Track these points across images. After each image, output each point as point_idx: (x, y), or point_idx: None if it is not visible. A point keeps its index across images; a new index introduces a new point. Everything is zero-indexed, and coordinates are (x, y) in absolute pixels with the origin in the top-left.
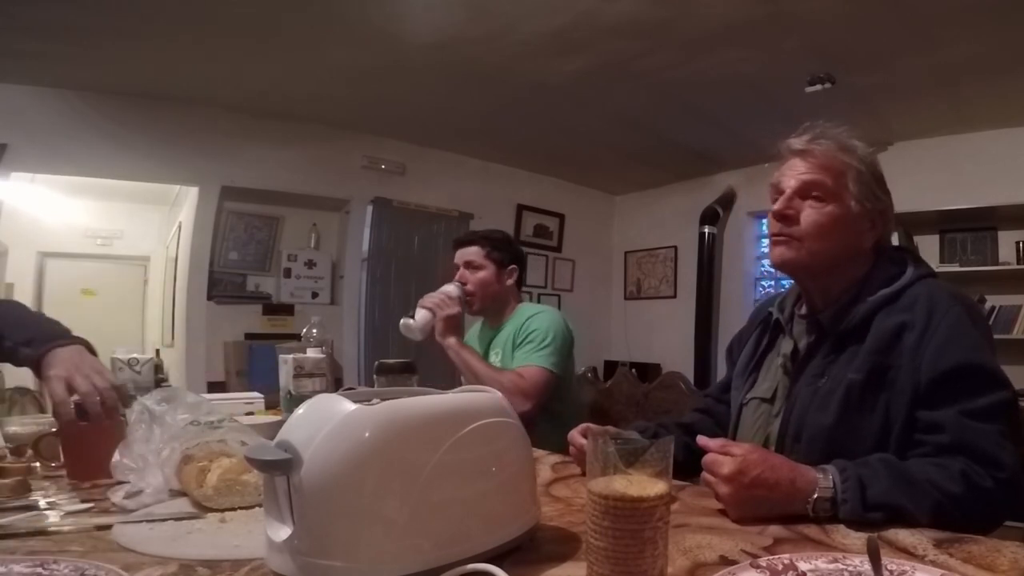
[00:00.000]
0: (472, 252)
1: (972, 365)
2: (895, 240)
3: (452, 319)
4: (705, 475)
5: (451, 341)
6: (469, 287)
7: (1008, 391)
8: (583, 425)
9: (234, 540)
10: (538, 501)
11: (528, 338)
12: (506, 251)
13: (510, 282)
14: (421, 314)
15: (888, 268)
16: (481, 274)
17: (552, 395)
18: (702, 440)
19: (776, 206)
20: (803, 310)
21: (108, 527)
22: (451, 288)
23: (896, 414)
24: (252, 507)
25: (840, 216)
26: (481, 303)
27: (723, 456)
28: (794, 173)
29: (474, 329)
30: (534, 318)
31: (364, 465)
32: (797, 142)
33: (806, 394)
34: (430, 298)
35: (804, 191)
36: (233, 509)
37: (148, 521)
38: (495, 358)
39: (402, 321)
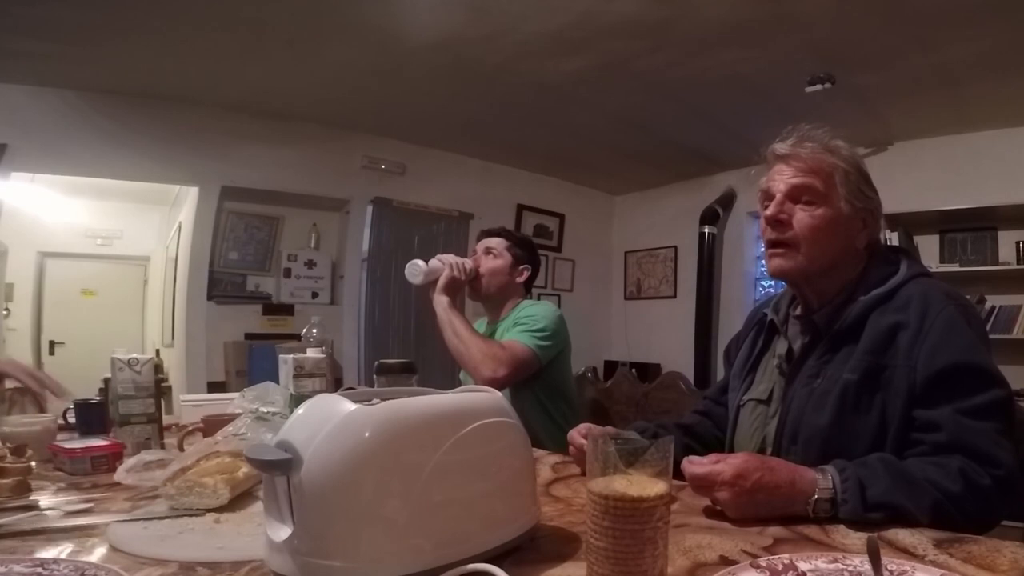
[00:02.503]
0: (495, 241)
1: (967, 364)
2: (895, 240)
3: (456, 282)
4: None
5: (444, 299)
6: (481, 270)
7: (1003, 389)
8: (583, 425)
9: (219, 542)
10: (538, 501)
11: (521, 322)
12: (526, 250)
13: (519, 280)
14: (434, 262)
15: (881, 268)
16: (496, 262)
17: (549, 392)
18: (695, 459)
19: (768, 211)
20: (798, 311)
21: (107, 527)
22: (468, 260)
23: (892, 414)
24: (211, 510)
25: (833, 218)
26: (486, 289)
27: (719, 465)
28: (783, 177)
29: (475, 325)
30: (531, 307)
31: (364, 465)
32: (781, 147)
33: (802, 395)
34: (448, 256)
35: (794, 195)
36: (213, 511)
37: (145, 519)
38: None
39: (412, 261)
